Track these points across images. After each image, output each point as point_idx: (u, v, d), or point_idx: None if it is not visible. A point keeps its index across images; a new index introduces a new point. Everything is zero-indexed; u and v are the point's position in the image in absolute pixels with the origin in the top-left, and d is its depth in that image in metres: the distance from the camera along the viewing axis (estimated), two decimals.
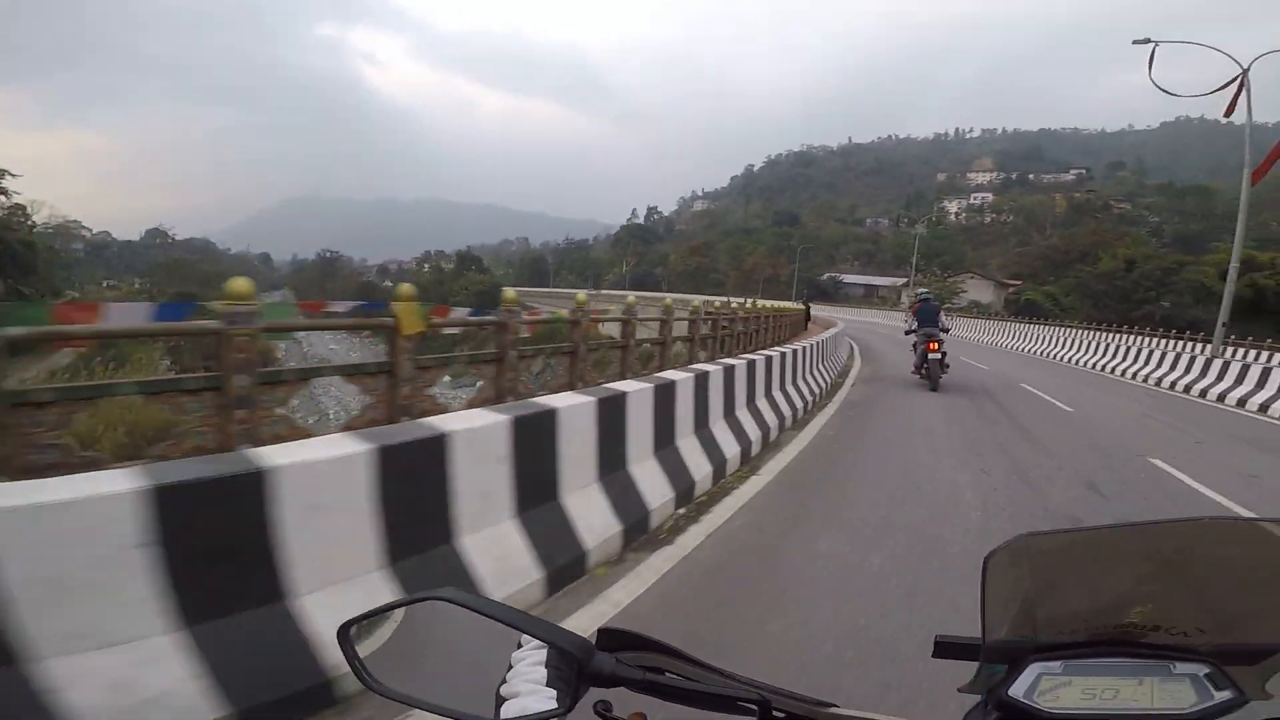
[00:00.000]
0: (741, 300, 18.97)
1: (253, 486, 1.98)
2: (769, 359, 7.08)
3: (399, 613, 0.59)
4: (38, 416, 2.93)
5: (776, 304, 25.46)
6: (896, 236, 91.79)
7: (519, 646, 0.60)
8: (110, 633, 1.73)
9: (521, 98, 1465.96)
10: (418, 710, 0.57)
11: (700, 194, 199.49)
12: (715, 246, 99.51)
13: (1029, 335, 29.22)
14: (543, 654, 0.57)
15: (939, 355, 11.31)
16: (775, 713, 0.57)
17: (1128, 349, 18.99)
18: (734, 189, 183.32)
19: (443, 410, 4.15)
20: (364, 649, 0.58)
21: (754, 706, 0.55)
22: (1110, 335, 23.84)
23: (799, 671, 2.50)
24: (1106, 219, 69.14)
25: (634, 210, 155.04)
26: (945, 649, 0.70)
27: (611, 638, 0.59)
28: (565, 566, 3.07)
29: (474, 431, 2.73)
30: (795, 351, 8.43)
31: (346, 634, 0.58)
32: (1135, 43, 16.61)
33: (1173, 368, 15.76)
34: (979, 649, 0.66)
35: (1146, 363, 17.16)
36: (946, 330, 11.77)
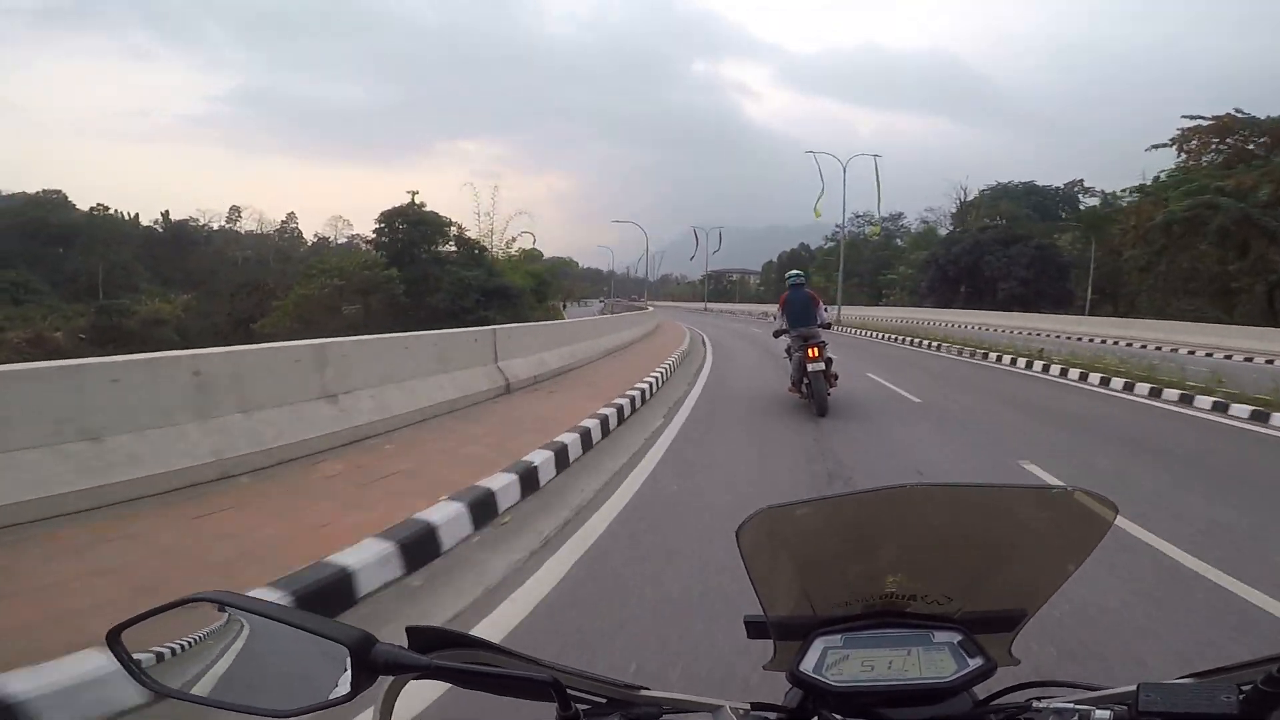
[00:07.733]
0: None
1: None
2: None
3: (170, 615, 0.57)
4: None
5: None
6: None
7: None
8: None
9: (893, 113, 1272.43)
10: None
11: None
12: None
13: None
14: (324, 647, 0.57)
15: (822, 365, 7.91)
16: (571, 692, 0.57)
17: None
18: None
19: None
20: (138, 652, 0.56)
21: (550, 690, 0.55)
22: None
23: None
24: None
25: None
26: (755, 629, 0.72)
27: (420, 635, 0.59)
28: None
29: None
30: None
31: (117, 638, 0.56)
32: None
33: None
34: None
35: None
36: (827, 326, 8.79)
